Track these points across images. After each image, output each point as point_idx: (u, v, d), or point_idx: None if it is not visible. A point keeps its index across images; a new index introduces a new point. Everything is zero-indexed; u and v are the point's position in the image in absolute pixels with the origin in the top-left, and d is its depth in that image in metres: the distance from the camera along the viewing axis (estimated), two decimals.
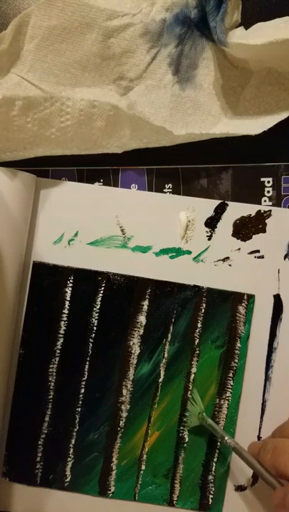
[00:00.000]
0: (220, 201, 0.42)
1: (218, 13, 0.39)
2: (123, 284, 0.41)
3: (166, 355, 0.41)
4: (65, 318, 0.41)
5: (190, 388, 0.41)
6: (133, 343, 0.41)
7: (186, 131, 0.41)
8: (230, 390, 0.41)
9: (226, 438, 0.38)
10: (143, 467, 0.41)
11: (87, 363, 0.41)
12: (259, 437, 0.41)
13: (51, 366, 0.41)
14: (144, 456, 0.41)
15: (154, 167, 0.42)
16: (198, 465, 0.41)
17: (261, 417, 0.41)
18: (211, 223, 0.42)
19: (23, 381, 0.41)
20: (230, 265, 0.42)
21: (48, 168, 0.42)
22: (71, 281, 0.41)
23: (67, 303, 0.41)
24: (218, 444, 0.41)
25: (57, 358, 0.41)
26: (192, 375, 0.41)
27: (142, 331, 0.41)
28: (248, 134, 0.40)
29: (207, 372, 0.41)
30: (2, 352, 0.40)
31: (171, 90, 0.41)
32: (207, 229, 0.42)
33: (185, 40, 0.41)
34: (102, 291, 0.41)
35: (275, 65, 0.41)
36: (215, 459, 0.41)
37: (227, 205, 0.42)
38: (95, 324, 0.41)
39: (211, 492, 0.41)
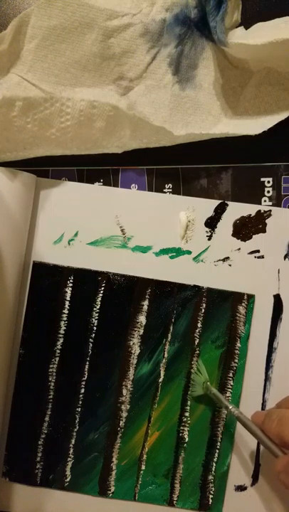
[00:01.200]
0: (220, 201, 0.42)
1: (218, 13, 0.39)
2: (123, 284, 0.41)
3: (166, 355, 0.41)
4: (65, 318, 0.41)
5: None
6: (133, 343, 0.41)
7: (186, 131, 0.41)
8: (230, 390, 0.41)
9: (230, 407, 0.38)
10: (143, 467, 0.41)
11: (87, 363, 0.41)
12: None
13: (51, 366, 0.41)
14: (144, 456, 0.41)
15: (154, 167, 0.42)
16: (198, 465, 0.41)
17: None
18: (211, 223, 0.42)
19: (23, 381, 0.41)
20: (230, 265, 0.42)
21: (48, 168, 0.42)
22: (71, 281, 0.41)
23: (67, 303, 0.41)
24: (218, 444, 0.41)
25: (57, 358, 0.41)
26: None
27: (142, 331, 0.41)
28: (248, 134, 0.40)
29: (207, 372, 0.41)
30: (2, 352, 0.40)
31: (171, 90, 0.41)
32: (207, 229, 0.42)
33: (185, 40, 0.41)
34: (102, 291, 0.41)
35: (275, 65, 0.41)
36: (215, 459, 0.41)
37: (227, 205, 0.42)
38: (95, 324, 0.41)
39: (211, 492, 0.41)
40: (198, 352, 0.41)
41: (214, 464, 0.41)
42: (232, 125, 0.41)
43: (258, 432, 0.36)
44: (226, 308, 0.41)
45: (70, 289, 0.41)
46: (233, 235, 0.42)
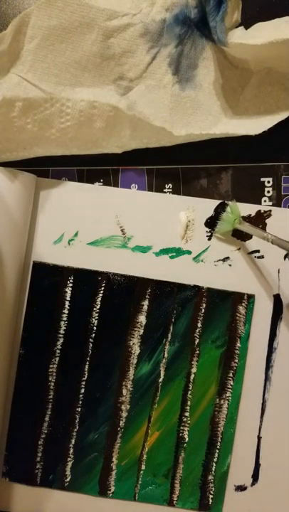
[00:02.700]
0: (220, 201, 0.42)
1: (218, 13, 0.39)
2: (123, 284, 0.41)
3: (166, 355, 0.41)
4: (65, 318, 0.41)
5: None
6: (133, 343, 0.41)
7: (186, 132, 0.41)
8: (230, 390, 0.41)
9: (265, 234, 0.37)
10: (143, 467, 0.41)
11: (87, 363, 0.41)
12: (259, 437, 0.41)
13: (51, 366, 0.41)
14: (144, 456, 0.41)
15: (154, 167, 0.42)
16: (198, 465, 0.41)
17: (261, 417, 0.41)
18: (211, 223, 0.42)
19: (23, 381, 0.41)
20: (230, 265, 0.42)
21: (48, 168, 0.42)
22: (71, 281, 0.41)
23: (67, 303, 0.41)
24: (219, 444, 0.41)
25: (57, 358, 0.41)
26: (192, 375, 0.41)
27: (142, 331, 0.41)
28: (248, 134, 0.40)
29: (207, 372, 0.41)
30: (2, 352, 0.40)
31: (171, 90, 0.41)
32: (207, 229, 0.42)
33: (185, 40, 0.41)
34: (102, 291, 0.41)
35: (275, 65, 0.41)
36: (215, 459, 0.41)
37: (227, 205, 0.42)
38: (95, 324, 0.41)
39: (211, 492, 0.41)
40: (198, 352, 0.41)
41: (214, 464, 0.41)
42: (232, 125, 0.41)
43: None
44: (226, 308, 0.41)
45: (70, 289, 0.41)
46: (233, 235, 0.42)
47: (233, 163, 0.42)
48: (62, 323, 0.41)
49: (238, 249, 0.42)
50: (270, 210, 0.42)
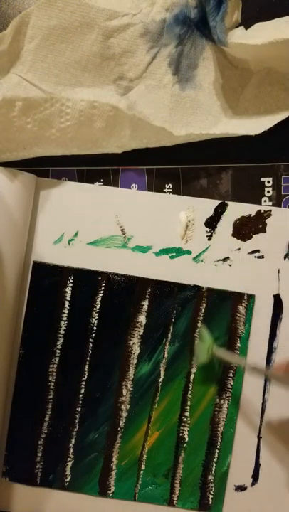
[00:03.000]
0: (220, 201, 0.42)
1: (218, 13, 0.39)
2: (123, 284, 0.41)
3: (166, 355, 0.41)
4: (65, 318, 0.41)
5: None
6: (133, 343, 0.41)
7: (186, 131, 0.41)
8: (230, 390, 0.41)
9: (244, 361, 0.38)
10: (143, 467, 0.41)
11: (87, 363, 0.41)
12: (259, 437, 0.41)
13: (51, 366, 0.41)
14: (144, 456, 0.41)
15: (154, 167, 0.42)
16: (198, 465, 0.41)
17: (261, 417, 0.41)
18: (211, 223, 0.42)
19: (23, 381, 0.41)
20: (230, 265, 0.42)
21: (48, 168, 0.42)
22: (71, 281, 0.41)
23: (67, 303, 0.41)
24: (219, 444, 0.41)
25: (57, 358, 0.41)
26: (192, 375, 0.41)
27: (142, 331, 0.41)
28: (248, 134, 0.40)
29: (207, 372, 0.41)
30: (2, 352, 0.40)
31: (171, 90, 0.41)
32: (207, 229, 0.42)
33: (185, 40, 0.41)
34: (102, 291, 0.41)
35: (275, 65, 0.41)
36: (215, 459, 0.41)
37: (227, 205, 0.42)
38: (95, 324, 0.41)
39: (211, 492, 0.41)
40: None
41: (214, 464, 0.41)
42: (232, 125, 0.41)
43: (279, 377, 0.36)
44: (226, 308, 0.41)
45: (70, 289, 0.41)
46: (233, 235, 0.42)
47: (233, 163, 0.42)
48: (62, 323, 0.41)
49: (238, 249, 0.42)
50: (270, 210, 0.42)
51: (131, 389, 0.41)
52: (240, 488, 0.41)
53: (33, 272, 0.41)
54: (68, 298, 0.41)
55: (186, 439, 0.41)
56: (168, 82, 0.41)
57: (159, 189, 0.42)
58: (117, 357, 0.41)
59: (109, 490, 0.41)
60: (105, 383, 0.41)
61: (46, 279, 0.41)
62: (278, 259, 0.42)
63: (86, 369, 0.41)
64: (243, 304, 0.41)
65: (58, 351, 0.41)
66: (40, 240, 0.42)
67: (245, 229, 0.42)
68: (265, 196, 0.42)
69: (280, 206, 0.42)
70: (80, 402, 0.41)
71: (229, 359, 0.39)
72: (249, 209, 0.42)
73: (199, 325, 0.41)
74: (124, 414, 0.41)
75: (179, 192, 0.42)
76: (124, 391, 0.41)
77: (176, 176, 0.42)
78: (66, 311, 0.41)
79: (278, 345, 0.41)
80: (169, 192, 0.42)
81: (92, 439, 0.41)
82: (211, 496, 0.41)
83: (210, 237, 0.42)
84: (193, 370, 0.41)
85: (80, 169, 0.42)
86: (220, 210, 0.42)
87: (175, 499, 0.41)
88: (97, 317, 0.41)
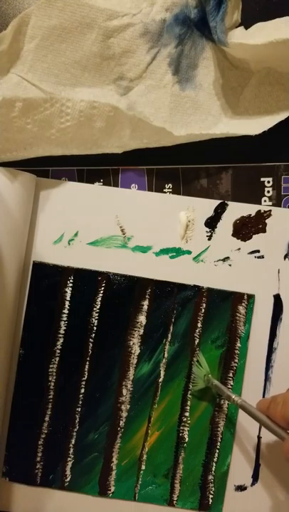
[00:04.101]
0: (220, 201, 0.42)
1: (218, 13, 0.39)
2: (123, 284, 0.41)
3: (166, 355, 0.41)
4: (65, 318, 0.41)
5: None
6: (133, 343, 0.41)
7: (186, 132, 0.41)
8: (230, 390, 0.41)
9: (233, 397, 0.38)
10: (143, 467, 0.41)
11: (87, 363, 0.41)
12: (259, 437, 0.41)
13: (51, 366, 0.41)
14: (144, 456, 0.41)
15: (154, 167, 0.42)
16: (198, 465, 0.41)
17: None
18: (211, 223, 0.42)
19: (23, 381, 0.41)
20: (230, 265, 0.42)
21: (48, 168, 0.42)
22: (71, 281, 0.41)
23: (67, 303, 0.41)
24: (218, 444, 0.41)
25: (57, 358, 0.41)
26: (192, 375, 0.41)
27: (142, 331, 0.41)
28: (248, 134, 0.40)
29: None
30: (2, 352, 0.40)
31: (171, 90, 0.41)
32: (207, 229, 0.42)
33: (185, 40, 0.41)
34: (102, 291, 0.41)
35: (275, 65, 0.41)
36: (215, 459, 0.41)
37: (227, 205, 0.42)
38: (95, 324, 0.41)
39: (211, 492, 0.41)
40: (198, 352, 0.41)
41: (214, 464, 0.41)
42: (232, 125, 0.41)
43: (263, 417, 0.36)
44: (226, 308, 0.41)
45: (70, 289, 0.41)
46: (233, 235, 0.42)
47: (233, 163, 0.42)
48: (62, 323, 0.41)
49: (238, 249, 0.42)
50: (270, 210, 0.42)
51: (131, 389, 0.41)
52: (240, 488, 0.41)
53: (33, 272, 0.41)
54: (68, 298, 0.41)
55: (186, 439, 0.41)
56: (168, 82, 0.41)
57: (159, 189, 0.42)
58: (117, 357, 0.41)
59: (109, 490, 0.41)
60: (105, 383, 0.41)
61: (46, 279, 0.41)
62: (278, 259, 0.42)
63: (86, 369, 0.41)
64: (243, 304, 0.41)
65: (58, 351, 0.41)
66: (40, 240, 0.42)
67: (245, 229, 0.42)
68: (265, 196, 0.42)
69: (280, 206, 0.42)
70: (80, 402, 0.41)
71: (221, 391, 0.39)
72: (249, 209, 0.42)
73: (199, 324, 0.41)
74: (124, 414, 0.41)
75: (179, 192, 0.42)
76: (124, 391, 0.41)
77: (176, 175, 0.42)
78: (66, 311, 0.41)
79: (278, 345, 0.41)
80: (169, 192, 0.42)
81: (92, 439, 0.41)
82: (211, 496, 0.41)
83: (210, 237, 0.42)
84: (194, 362, 0.41)
85: (80, 169, 0.42)
86: (220, 210, 0.42)
87: (175, 499, 0.41)
88: (97, 317, 0.41)
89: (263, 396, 0.41)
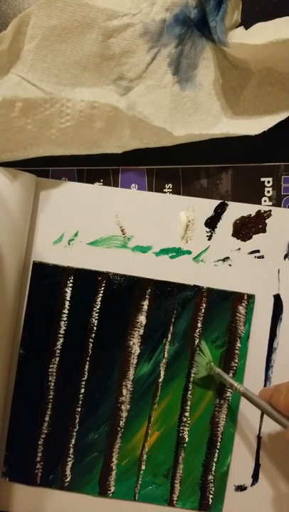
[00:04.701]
0: (220, 201, 0.42)
1: (218, 13, 0.39)
2: (123, 284, 0.41)
3: (166, 355, 0.41)
4: (65, 318, 0.41)
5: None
6: (133, 343, 0.41)
7: (186, 132, 0.41)
8: (230, 389, 0.41)
9: (236, 385, 0.38)
10: (143, 467, 0.41)
11: (87, 363, 0.41)
12: (259, 437, 0.41)
13: (51, 366, 0.41)
14: (144, 456, 0.41)
15: (154, 167, 0.42)
16: (198, 465, 0.41)
17: (261, 417, 0.41)
18: (211, 223, 0.42)
19: (23, 381, 0.41)
20: (230, 265, 0.42)
21: (48, 168, 0.42)
22: (71, 281, 0.41)
23: (67, 303, 0.41)
24: (219, 444, 0.41)
25: (57, 358, 0.41)
26: (192, 375, 0.41)
27: (142, 331, 0.41)
28: (248, 134, 0.40)
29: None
30: (2, 352, 0.40)
31: (171, 90, 0.41)
32: (207, 229, 0.42)
33: (185, 40, 0.41)
34: (102, 291, 0.41)
35: (275, 65, 0.41)
36: (215, 459, 0.41)
37: (227, 205, 0.42)
38: (95, 324, 0.41)
39: (211, 492, 0.41)
40: (198, 352, 0.41)
41: (214, 464, 0.41)
42: (232, 125, 0.41)
43: (266, 405, 0.36)
44: (226, 308, 0.41)
45: (70, 289, 0.41)
46: (233, 235, 0.42)
47: (233, 163, 0.42)
48: (62, 323, 0.41)
49: (238, 249, 0.42)
50: (270, 210, 0.42)
51: (131, 389, 0.41)
52: (240, 488, 0.41)
53: (33, 272, 0.41)
54: (68, 298, 0.41)
55: (186, 439, 0.41)
56: (168, 82, 0.41)
57: (159, 189, 0.42)
58: (117, 357, 0.41)
59: (109, 490, 0.41)
60: (105, 383, 0.41)
61: (46, 279, 0.41)
62: (278, 259, 0.42)
63: (86, 369, 0.41)
64: (243, 304, 0.41)
65: (58, 351, 0.41)
66: (40, 239, 0.42)
67: (245, 229, 0.42)
68: (265, 196, 0.42)
69: (280, 206, 0.42)
70: (80, 402, 0.41)
71: (224, 379, 0.39)
72: (249, 209, 0.42)
73: (199, 324, 0.41)
74: (124, 414, 0.41)
75: (179, 192, 0.42)
76: (124, 391, 0.41)
77: (176, 175, 0.42)
78: (66, 311, 0.41)
79: (278, 345, 0.41)
80: (169, 192, 0.42)
81: (92, 439, 0.41)
82: (211, 496, 0.41)
83: (210, 237, 0.42)
84: (194, 370, 0.41)
85: (80, 169, 0.42)
86: (220, 210, 0.42)
87: (175, 499, 0.41)
88: (97, 317, 0.41)
89: None
